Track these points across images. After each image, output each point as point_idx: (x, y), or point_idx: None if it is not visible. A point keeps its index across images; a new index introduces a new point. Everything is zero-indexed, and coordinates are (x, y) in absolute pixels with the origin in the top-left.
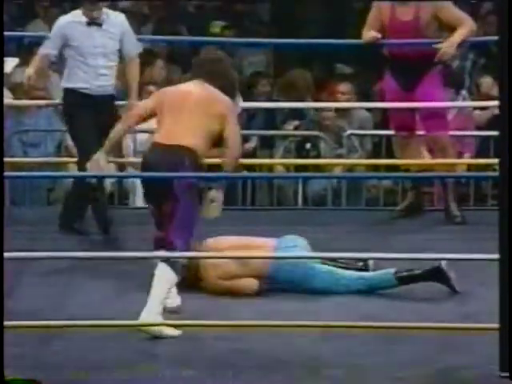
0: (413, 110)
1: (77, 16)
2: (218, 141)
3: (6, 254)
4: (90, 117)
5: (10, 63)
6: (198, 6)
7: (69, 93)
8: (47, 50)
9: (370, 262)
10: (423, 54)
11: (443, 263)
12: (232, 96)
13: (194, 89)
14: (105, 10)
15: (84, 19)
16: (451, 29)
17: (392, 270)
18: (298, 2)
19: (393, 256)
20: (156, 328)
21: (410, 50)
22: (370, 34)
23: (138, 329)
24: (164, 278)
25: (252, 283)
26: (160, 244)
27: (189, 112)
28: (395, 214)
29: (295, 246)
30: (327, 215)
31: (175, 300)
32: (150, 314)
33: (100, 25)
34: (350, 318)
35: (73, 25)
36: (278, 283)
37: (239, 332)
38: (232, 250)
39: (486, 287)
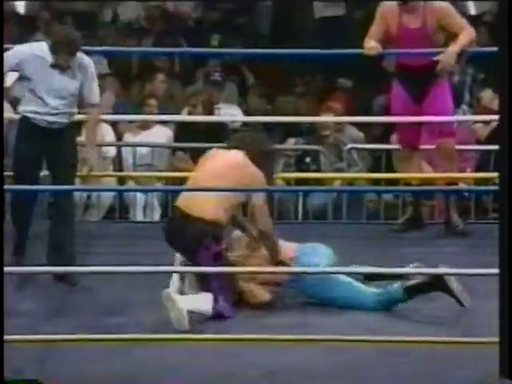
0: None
1: (43, 52)
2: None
3: (6, 269)
4: (36, 146)
5: (10, 77)
6: (198, 19)
7: (22, 118)
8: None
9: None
10: (432, 63)
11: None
12: (267, 173)
13: (230, 156)
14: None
15: (50, 59)
16: (454, 37)
17: (398, 284)
18: (298, 14)
19: (394, 271)
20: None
21: (418, 59)
22: (371, 44)
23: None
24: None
25: (264, 295)
26: None
27: (217, 177)
28: (396, 228)
29: (312, 254)
30: (328, 229)
31: None
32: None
33: (64, 70)
34: (352, 332)
35: (34, 59)
36: (296, 291)
37: (239, 346)
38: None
39: (486, 301)
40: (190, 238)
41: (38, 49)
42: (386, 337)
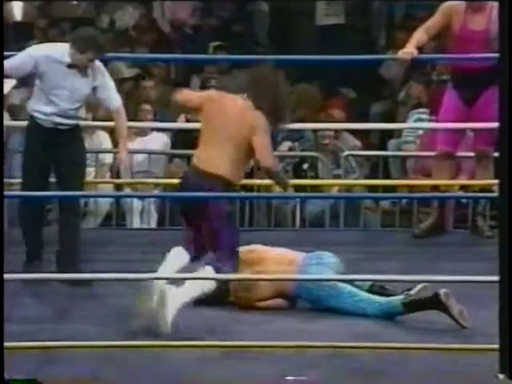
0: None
1: (59, 53)
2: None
3: (5, 276)
4: (42, 147)
5: (7, 84)
6: (196, 26)
7: (31, 118)
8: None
9: (414, 290)
10: (489, 67)
11: (442, 292)
12: (275, 120)
13: (232, 106)
14: None
15: (67, 60)
16: None
17: (401, 297)
18: (297, 23)
19: (392, 278)
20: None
21: (479, 63)
22: (407, 49)
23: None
24: (202, 283)
25: (281, 303)
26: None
27: (224, 133)
28: (416, 234)
29: (318, 264)
30: (325, 236)
31: None
32: (174, 299)
33: (80, 71)
34: (348, 339)
35: (49, 60)
36: (299, 300)
37: (237, 352)
38: (264, 264)
39: (485, 308)
40: (202, 187)
41: (53, 50)
42: (380, 343)
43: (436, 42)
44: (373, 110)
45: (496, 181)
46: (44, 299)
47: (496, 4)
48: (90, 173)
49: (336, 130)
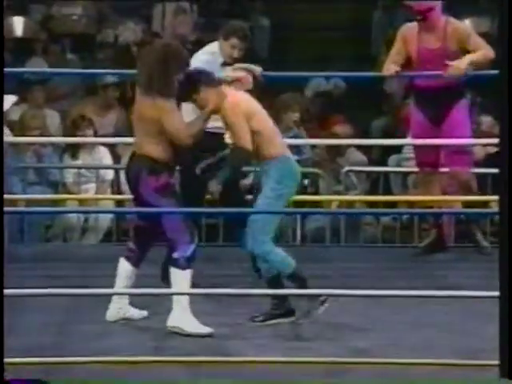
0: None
1: (214, 54)
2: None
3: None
4: None
5: (8, 100)
6: (196, 41)
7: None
8: None
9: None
10: (450, 85)
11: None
12: (162, 88)
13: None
14: None
15: (220, 59)
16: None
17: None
18: (298, 39)
19: (393, 293)
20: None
21: (436, 81)
22: (391, 67)
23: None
24: (179, 281)
25: None
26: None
27: (136, 118)
28: (419, 252)
29: None
30: (326, 252)
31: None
32: (179, 316)
33: (229, 65)
34: (346, 354)
35: (213, 67)
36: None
37: (235, 367)
38: None
39: (485, 323)
40: (132, 172)
41: (210, 53)
42: (384, 359)
43: None
44: (374, 125)
45: (495, 197)
46: (45, 314)
47: (452, 21)
48: (91, 189)
49: (338, 147)
